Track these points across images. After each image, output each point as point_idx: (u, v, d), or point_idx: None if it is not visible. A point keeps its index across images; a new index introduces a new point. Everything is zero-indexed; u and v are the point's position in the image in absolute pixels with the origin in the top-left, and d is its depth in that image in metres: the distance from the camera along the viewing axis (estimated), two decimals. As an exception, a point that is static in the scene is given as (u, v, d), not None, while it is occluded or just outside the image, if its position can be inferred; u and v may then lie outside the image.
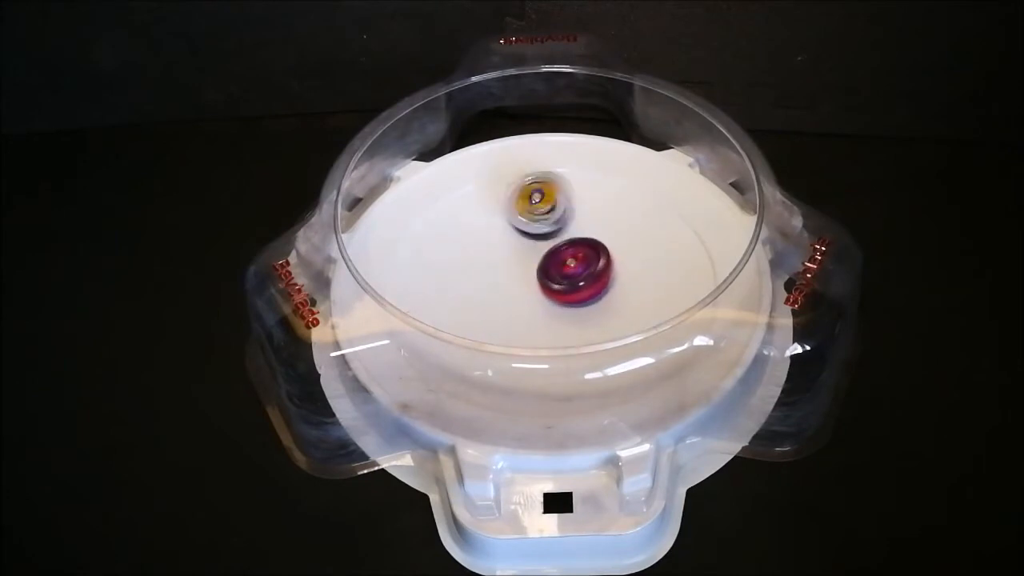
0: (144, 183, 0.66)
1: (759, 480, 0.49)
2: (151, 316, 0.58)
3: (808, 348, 0.49)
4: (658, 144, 0.61)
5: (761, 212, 0.51)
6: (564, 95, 0.64)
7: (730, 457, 0.49)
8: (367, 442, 0.50)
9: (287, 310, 0.50)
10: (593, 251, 0.54)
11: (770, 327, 0.50)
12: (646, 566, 0.46)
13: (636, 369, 0.47)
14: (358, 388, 0.49)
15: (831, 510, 0.48)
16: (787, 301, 0.49)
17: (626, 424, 0.47)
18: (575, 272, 0.53)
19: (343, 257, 0.51)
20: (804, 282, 0.49)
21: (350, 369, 0.49)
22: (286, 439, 0.51)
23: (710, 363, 0.49)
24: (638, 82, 0.60)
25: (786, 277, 0.52)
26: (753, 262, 0.50)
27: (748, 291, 0.51)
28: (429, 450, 0.48)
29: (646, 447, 0.46)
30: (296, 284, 0.50)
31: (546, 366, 0.48)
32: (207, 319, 0.56)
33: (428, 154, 0.62)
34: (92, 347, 0.56)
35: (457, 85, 0.60)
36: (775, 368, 0.50)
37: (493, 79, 0.61)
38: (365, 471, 0.50)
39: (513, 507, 0.46)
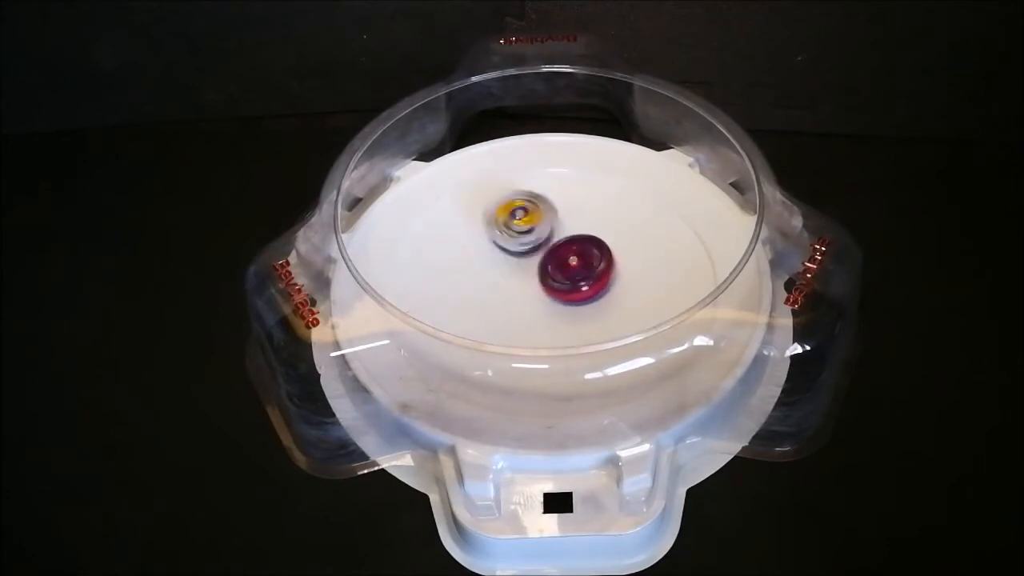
0: (144, 183, 0.66)
1: (759, 480, 0.49)
2: (151, 316, 0.58)
3: (808, 348, 0.49)
4: (658, 144, 0.61)
5: (761, 212, 0.51)
6: (564, 95, 0.63)
7: (730, 457, 0.49)
8: (367, 442, 0.50)
9: (287, 310, 0.50)
10: (595, 248, 0.54)
11: (770, 327, 0.50)
12: (646, 566, 0.46)
13: (636, 369, 0.47)
14: (358, 388, 0.49)
15: (831, 510, 0.48)
16: (787, 301, 0.49)
17: (626, 424, 0.47)
18: (577, 269, 0.53)
19: (343, 257, 0.51)
20: (804, 282, 0.49)
21: (350, 369, 0.49)
22: (286, 439, 0.51)
23: (710, 363, 0.49)
24: (638, 82, 0.60)
25: (786, 277, 0.52)
26: (753, 262, 0.50)
27: (748, 291, 0.51)
28: (429, 450, 0.48)
29: (646, 447, 0.46)
30: (296, 284, 0.50)
31: (546, 366, 0.48)
32: (207, 319, 0.56)
33: (428, 154, 0.61)
34: (92, 347, 0.56)
35: (457, 85, 0.60)
36: (775, 368, 0.50)
37: (493, 79, 0.61)
38: (365, 471, 0.50)
39: (513, 507, 0.46)
